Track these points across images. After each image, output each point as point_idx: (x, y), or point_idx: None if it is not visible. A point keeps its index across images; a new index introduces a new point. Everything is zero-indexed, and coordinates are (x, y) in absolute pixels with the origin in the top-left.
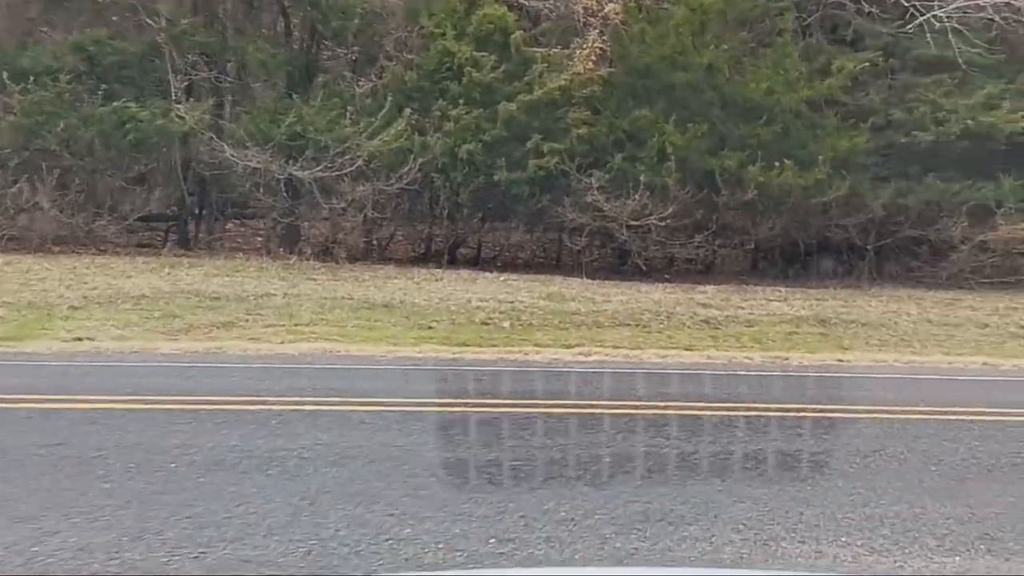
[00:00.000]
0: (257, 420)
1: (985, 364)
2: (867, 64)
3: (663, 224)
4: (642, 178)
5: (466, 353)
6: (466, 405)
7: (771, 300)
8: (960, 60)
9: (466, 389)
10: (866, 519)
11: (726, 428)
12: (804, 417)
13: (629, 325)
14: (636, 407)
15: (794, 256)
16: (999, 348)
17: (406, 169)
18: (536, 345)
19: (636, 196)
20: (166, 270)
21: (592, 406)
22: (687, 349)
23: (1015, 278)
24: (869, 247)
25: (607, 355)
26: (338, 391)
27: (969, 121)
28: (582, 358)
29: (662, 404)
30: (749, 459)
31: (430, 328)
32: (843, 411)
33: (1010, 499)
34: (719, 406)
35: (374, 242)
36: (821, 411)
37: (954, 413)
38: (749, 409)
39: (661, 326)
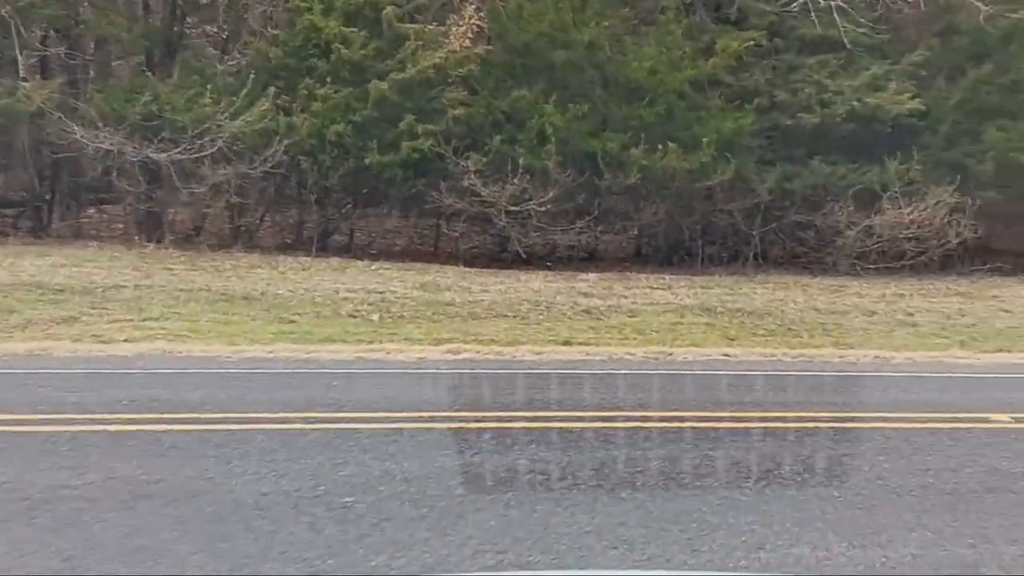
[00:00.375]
0: (46, 446)
1: (876, 357)
2: (751, 43)
3: (543, 209)
4: (521, 161)
5: (324, 352)
6: (304, 421)
7: (655, 288)
8: (845, 40)
9: (311, 399)
10: (763, 567)
11: (598, 444)
12: (686, 428)
13: (507, 316)
14: (498, 419)
15: (678, 242)
16: (888, 337)
17: (271, 152)
18: (406, 340)
19: (515, 180)
20: (9, 260)
21: (449, 419)
22: (565, 343)
23: (900, 263)
24: (754, 232)
25: (478, 352)
26: (160, 404)
27: (855, 103)
28: (451, 356)
29: (528, 414)
30: (622, 486)
31: (292, 322)
32: (731, 419)
33: (927, 535)
34: (592, 415)
35: (241, 229)
36: (705, 419)
37: (853, 420)
38: (626, 419)
39: (540, 317)
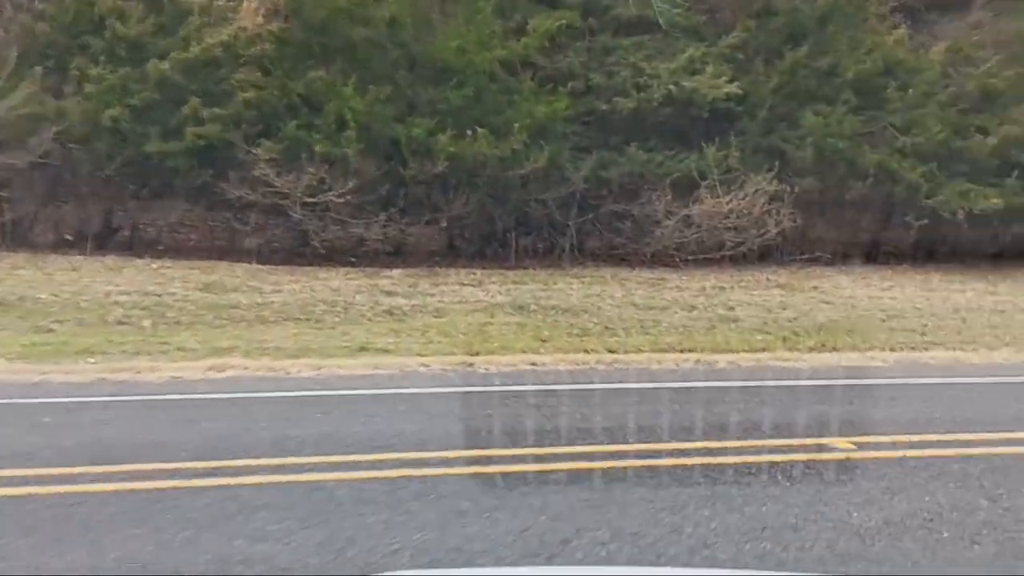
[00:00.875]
0: None
1: (698, 361)
2: (564, 23)
3: (343, 201)
4: (318, 148)
5: (58, 373)
6: None
7: (465, 284)
8: (660, 21)
9: None
10: None
11: (353, 507)
12: (462, 475)
13: (298, 320)
14: (225, 471)
15: (491, 234)
16: (709, 335)
17: (38, 139)
18: (179, 350)
19: (312, 169)
20: None
21: (152, 474)
22: (361, 350)
23: (720, 254)
24: (571, 223)
25: (247, 368)
26: None
27: (671, 87)
28: (213, 374)
29: (268, 463)
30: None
31: (49, 331)
32: (520, 459)
33: None
34: (350, 460)
35: (9, 226)
36: (492, 457)
37: (671, 454)
38: (395, 462)
39: (336, 320)
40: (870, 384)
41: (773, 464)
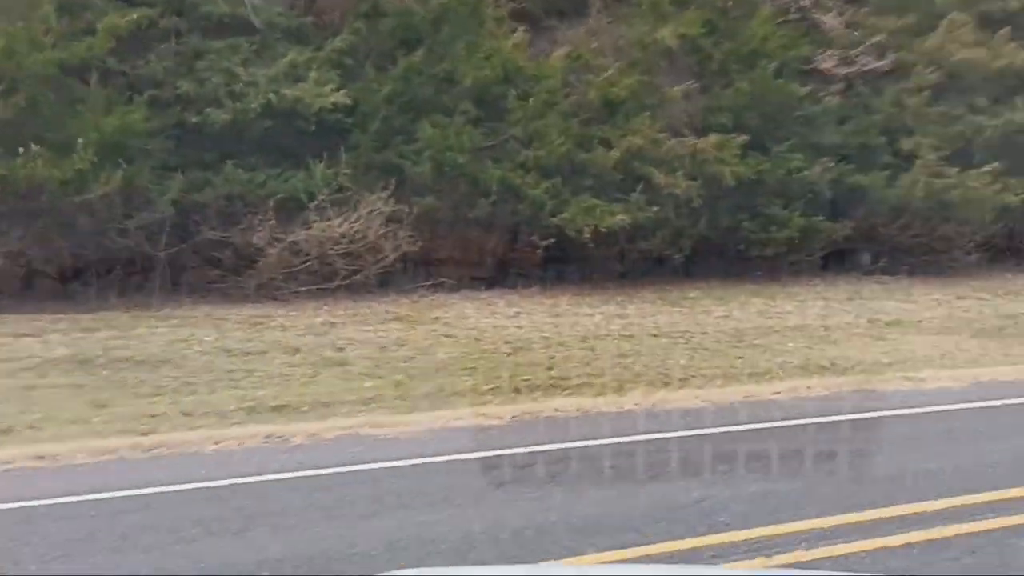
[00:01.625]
0: None
1: (270, 437)
2: (139, 20)
3: None
4: None
5: None
6: None
7: (21, 335)
8: (256, 21)
9: None
10: None
11: None
12: None
13: None
14: None
15: (63, 272)
16: (310, 386)
17: None
18: None
19: None
20: None
21: None
22: None
23: (334, 284)
24: (161, 255)
25: None
26: None
27: (272, 95)
28: None
29: None
30: None
31: None
32: None
33: None
34: None
35: None
36: None
37: None
38: None
39: None
40: (478, 460)
41: None
